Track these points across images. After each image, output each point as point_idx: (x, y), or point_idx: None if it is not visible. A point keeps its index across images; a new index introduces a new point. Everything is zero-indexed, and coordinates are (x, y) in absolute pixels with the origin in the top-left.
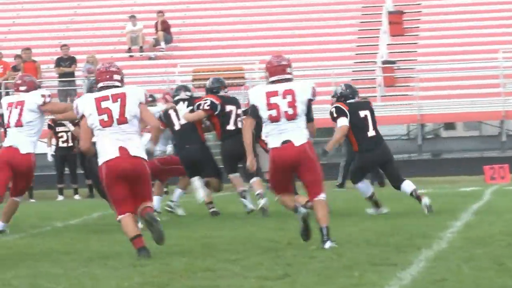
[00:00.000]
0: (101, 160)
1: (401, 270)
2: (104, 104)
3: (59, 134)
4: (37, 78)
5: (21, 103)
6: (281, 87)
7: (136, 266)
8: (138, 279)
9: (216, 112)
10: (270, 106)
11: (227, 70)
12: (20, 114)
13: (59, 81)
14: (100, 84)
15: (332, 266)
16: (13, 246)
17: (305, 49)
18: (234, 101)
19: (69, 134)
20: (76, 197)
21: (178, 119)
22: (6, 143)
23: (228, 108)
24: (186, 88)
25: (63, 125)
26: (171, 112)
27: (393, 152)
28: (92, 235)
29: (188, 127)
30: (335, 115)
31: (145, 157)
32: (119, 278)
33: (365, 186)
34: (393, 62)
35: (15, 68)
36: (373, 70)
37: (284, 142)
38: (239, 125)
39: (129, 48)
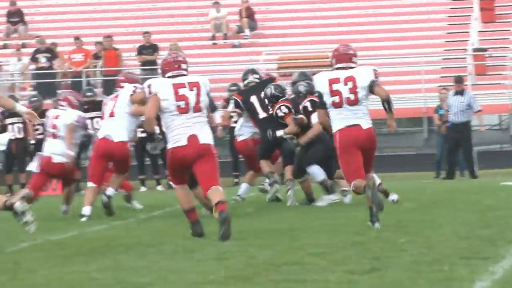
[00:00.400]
0: (169, 145)
1: (493, 264)
2: (181, 91)
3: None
4: (118, 66)
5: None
6: (342, 74)
7: (221, 259)
8: (223, 273)
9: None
10: (333, 93)
11: (313, 58)
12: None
13: (141, 69)
14: (169, 74)
15: (421, 260)
16: (96, 238)
17: (394, 37)
18: None
19: None
20: (159, 188)
21: (261, 107)
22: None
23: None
24: (253, 71)
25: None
26: (254, 100)
27: (484, 143)
28: (176, 227)
29: (271, 116)
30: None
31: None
32: (204, 272)
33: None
34: (485, 50)
35: (96, 56)
36: (464, 58)
37: (351, 125)
38: None
39: (213, 36)
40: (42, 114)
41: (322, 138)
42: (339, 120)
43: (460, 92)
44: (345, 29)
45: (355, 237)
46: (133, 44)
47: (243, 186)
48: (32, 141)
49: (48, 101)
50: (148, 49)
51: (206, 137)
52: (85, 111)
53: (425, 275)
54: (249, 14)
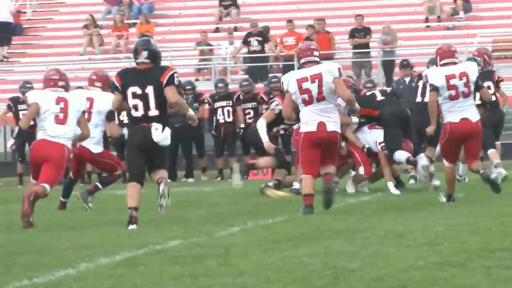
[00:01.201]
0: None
1: None
2: (304, 85)
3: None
4: (331, 50)
5: None
6: (456, 70)
7: (432, 245)
8: (434, 259)
9: None
10: (450, 88)
11: None
12: None
13: (353, 52)
14: (302, 60)
15: None
16: (305, 223)
17: None
18: None
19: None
20: None
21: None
22: None
23: None
24: None
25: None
26: None
27: None
28: (385, 212)
29: None
30: None
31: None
32: (413, 257)
33: None
34: None
35: (308, 39)
36: None
37: (462, 119)
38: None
39: (426, 18)
40: (253, 98)
41: None
42: (453, 112)
43: None
44: None
45: None
46: (345, 27)
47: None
48: (242, 125)
49: (259, 85)
50: (360, 32)
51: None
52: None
53: None
54: None
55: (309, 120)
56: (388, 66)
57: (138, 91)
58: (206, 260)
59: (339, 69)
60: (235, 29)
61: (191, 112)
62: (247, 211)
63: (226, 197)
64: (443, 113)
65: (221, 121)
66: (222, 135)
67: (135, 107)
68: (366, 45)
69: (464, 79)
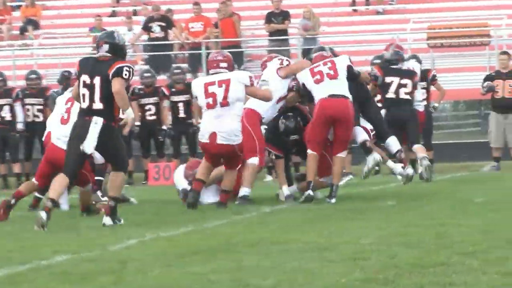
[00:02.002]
0: None
1: None
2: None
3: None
4: (237, 37)
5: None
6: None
7: (357, 259)
8: (359, 275)
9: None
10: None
11: (468, 26)
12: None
13: (269, 39)
14: (211, 72)
15: None
16: (213, 235)
17: None
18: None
19: None
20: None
21: None
22: None
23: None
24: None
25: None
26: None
27: None
28: (304, 223)
29: None
30: None
31: None
32: (337, 274)
33: None
34: None
35: (216, 25)
36: None
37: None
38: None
39: (353, 1)
40: (154, 92)
41: None
42: None
43: None
44: None
45: (511, 234)
46: (260, 11)
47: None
48: (137, 123)
49: (162, 77)
50: (277, 16)
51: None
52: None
53: None
54: None
55: (203, 130)
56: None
57: (87, 80)
58: (98, 277)
59: (250, 77)
60: (134, 13)
61: (129, 113)
62: (146, 220)
63: (122, 205)
64: None
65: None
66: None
67: (83, 97)
68: (284, 31)
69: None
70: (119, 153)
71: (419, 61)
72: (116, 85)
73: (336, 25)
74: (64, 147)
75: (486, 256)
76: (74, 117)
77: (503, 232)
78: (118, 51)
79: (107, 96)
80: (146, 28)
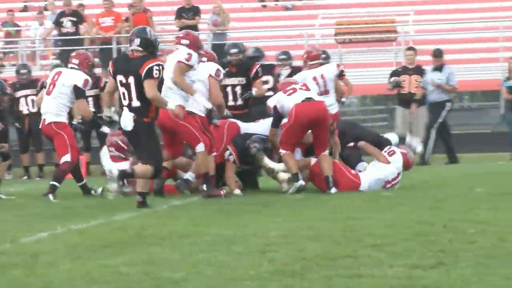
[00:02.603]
0: None
1: None
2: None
3: None
4: None
5: None
6: None
7: (265, 252)
8: (267, 267)
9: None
10: None
11: (376, 22)
12: None
13: None
14: None
15: (493, 253)
16: (124, 228)
17: None
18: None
19: None
20: None
21: None
22: None
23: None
24: None
25: None
26: None
27: None
28: (214, 216)
29: None
30: None
31: None
32: (245, 266)
33: None
34: None
35: (127, 19)
36: None
37: None
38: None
39: None
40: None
41: None
42: None
43: (438, 68)
44: None
45: (418, 226)
46: (171, 7)
47: None
48: None
49: None
50: (188, 12)
51: None
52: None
53: (498, 270)
54: None
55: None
56: (219, 51)
57: (123, 79)
58: (9, 270)
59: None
60: (45, 8)
61: (171, 105)
62: (56, 214)
63: (33, 198)
64: None
65: (25, 112)
66: (26, 128)
67: (123, 95)
68: (195, 27)
69: None
70: (150, 148)
71: (328, 57)
72: (149, 90)
73: (245, 21)
74: (50, 120)
75: (393, 248)
76: (58, 89)
77: (410, 225)
78: (149, 46)
79: (143, 94)
80: (57, 23)
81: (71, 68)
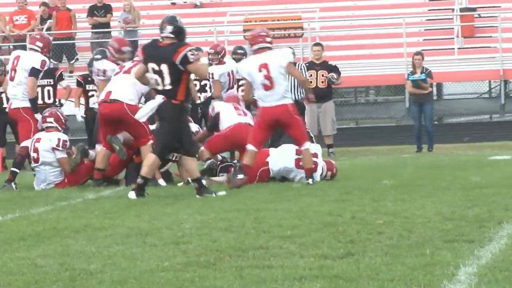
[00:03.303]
0: None
1: (479, 247)
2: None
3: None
4: (72, 29)
5: None
6: None
7: (178, 243)
8: (181, 259)
9: None
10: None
11: (283, 19)
12: None
13: (92, 32)
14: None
15: (401, 243)
16: (40, 221)
17: None
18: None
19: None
20: None
21: None
22: None
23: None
24: None
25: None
26: None
27: (472, 113)
28: (128, 209)
29: None
30: None
31: None
32: (158, 258)
33: None
34: (473, 10)
35: (42, 18)
36: (450, 19)
37: None
38: None
39: None
40: None
41: None
42: None
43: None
44: None
45: (327, 218)
46: (83, 5)
47: None
48: None
49: None
50: (100, 10)
51: None
52: None
53: (405, 260)
54: None
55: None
56: (133, 47)
57: (156, 67)
58: None
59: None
60: None
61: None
62: None
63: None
64: None
65: None
66: None
67: (156, 82)
68: (107, 25)
69: None
70: (185, 136)
71: (245, 53)
72: (195, 70)
73: (155, 18)
74: (17, 105)
75: (303, 239)
76: (20, 75)
77: (319, 216)
78: (180, 33)
79: (175, 80)
80: None
81: (31, 49)
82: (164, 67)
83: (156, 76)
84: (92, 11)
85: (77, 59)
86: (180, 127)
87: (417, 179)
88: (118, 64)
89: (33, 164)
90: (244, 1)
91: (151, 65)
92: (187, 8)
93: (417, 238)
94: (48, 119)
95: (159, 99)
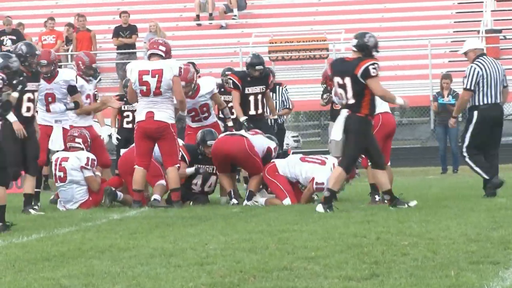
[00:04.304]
0: None
1: (504, 269)
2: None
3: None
4: (92, 50)
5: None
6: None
7: (203, 264)
8: (205, 279)
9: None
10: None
11: (308, 40)
12: None
13: (118, 53)
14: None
15: (425, 264)
16: (65, 242)
17: (396, 17)
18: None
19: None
20: None
21: None
22: None
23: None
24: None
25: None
26: None
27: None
28: (153, 230)
29: None
30: None
31: None
32: (183, 278)
33: None
34: (499, 31)
35: (67, 39)
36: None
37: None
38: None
39: (197, 16)
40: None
41: None
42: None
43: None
44: (342, 8)
45: (352, 239)
46: (108, 26)
47: None
48: None
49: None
50: (125, 30)
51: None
52: None
53: (430, 281)
54: None
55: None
56: None
57: (340, 80)
58: None
59: (180, 68)
60: None
61: (399, 101)
62: None
63: None
64: None
65: None
66: None
67: (340, 96)
68: (132, 45)
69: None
70: (372, 148)
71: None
72: (375, 88)
73: (181, 39)
74: None
75: (327, 261)
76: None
77: (344, 237)
78: (363, 48)
79: (358, 93)
80: None
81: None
82: (348, 80)
83: (340, 90)
84: (117, 32)
85: (100, 79)
86: (366, 140)
87: (442, 200)
88: (85, 79)
89: (58, 184)
90: (270, 22)
91: (336, 79)
92: (212, 29)
93: (442, 260)
94: (77, 140)
95: (344, 113)
